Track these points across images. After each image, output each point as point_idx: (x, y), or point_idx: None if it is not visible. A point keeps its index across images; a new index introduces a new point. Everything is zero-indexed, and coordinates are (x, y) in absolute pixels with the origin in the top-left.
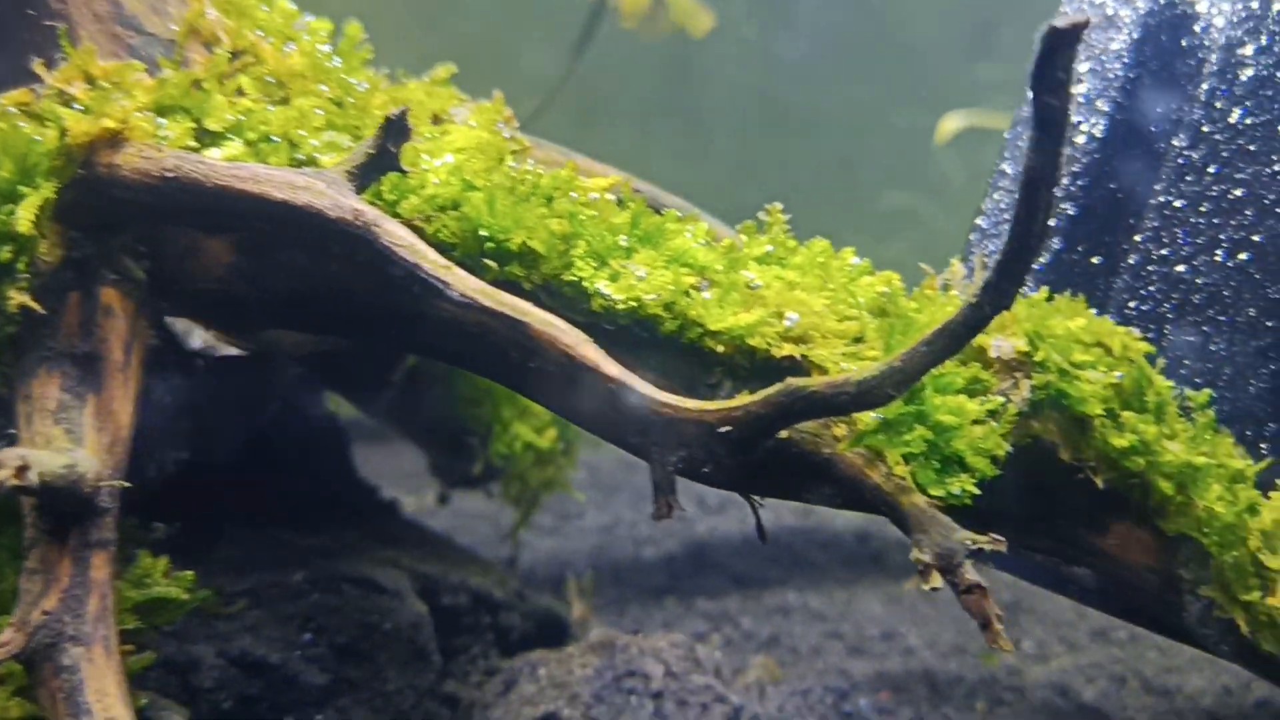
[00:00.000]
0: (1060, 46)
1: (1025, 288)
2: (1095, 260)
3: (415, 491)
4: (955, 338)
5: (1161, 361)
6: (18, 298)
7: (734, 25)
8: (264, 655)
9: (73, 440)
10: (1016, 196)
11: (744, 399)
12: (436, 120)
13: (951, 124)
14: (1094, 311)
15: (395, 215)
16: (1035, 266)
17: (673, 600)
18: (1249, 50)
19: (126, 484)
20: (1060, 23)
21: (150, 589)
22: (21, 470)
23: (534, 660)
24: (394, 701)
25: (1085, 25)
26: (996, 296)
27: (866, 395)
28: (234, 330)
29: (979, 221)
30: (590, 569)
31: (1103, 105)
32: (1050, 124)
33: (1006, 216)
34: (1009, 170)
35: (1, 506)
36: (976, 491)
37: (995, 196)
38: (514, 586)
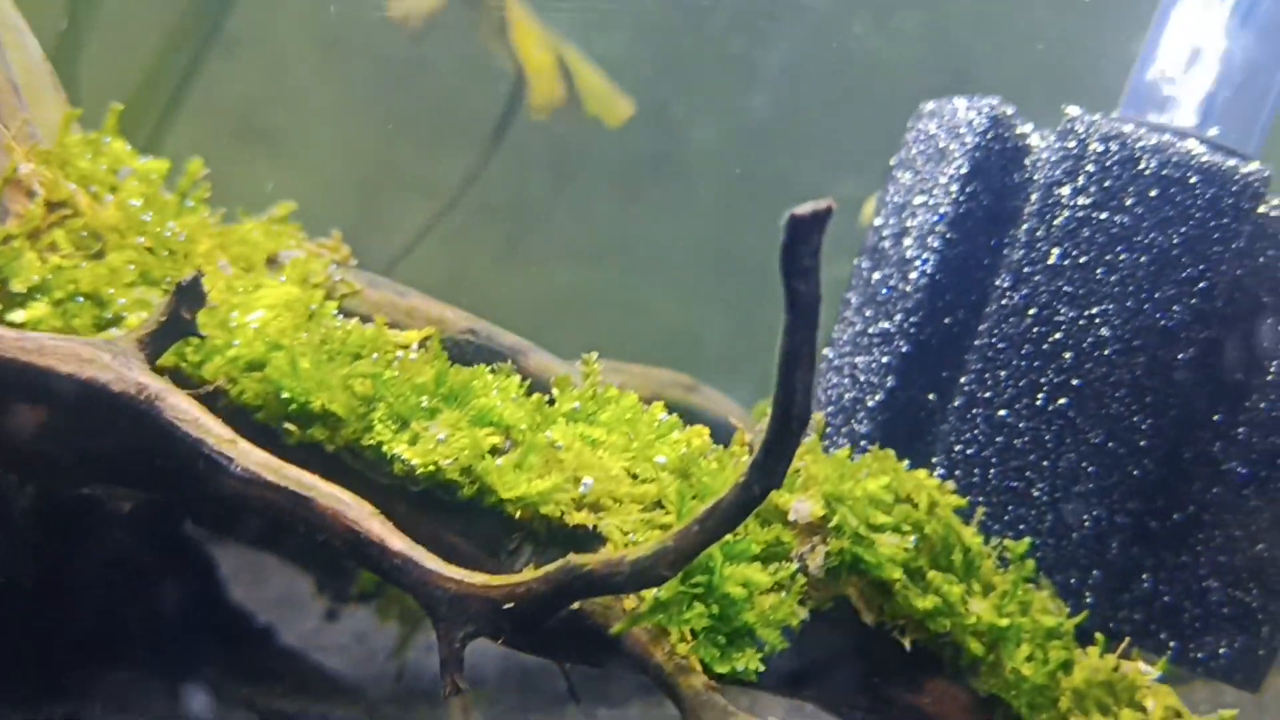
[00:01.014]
0: (804, 234)
1: (861, 427)
2: (931, 397)
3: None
4: (726, 519)
5: (982, 510)
6: None
7: (704, 81)
8: None
9: None
10: (777, 376)
11: (527, 575)
12: (272, 262)
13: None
14: (906, 464)
15: (199, 377)
16: (870, 404)
17: (574, 709)
18: (1066, 191)
19: None
20: (802, 210)
21: None
22: None
23: None
24: None
25: (828, 213)
26: (764, 476)
27: (641, 576)
28: (52, 486)
29: (826, 352)
30: (490, 679)
31: (933, 241)
32: (801, 308)
33: (847, 350)
34: (853, 300)
35: None
36: (762, 668)
37: (839, 328)
38: (385, 715)
